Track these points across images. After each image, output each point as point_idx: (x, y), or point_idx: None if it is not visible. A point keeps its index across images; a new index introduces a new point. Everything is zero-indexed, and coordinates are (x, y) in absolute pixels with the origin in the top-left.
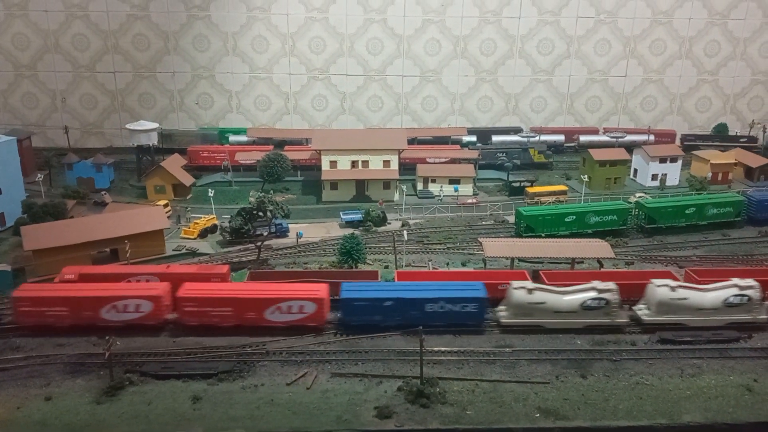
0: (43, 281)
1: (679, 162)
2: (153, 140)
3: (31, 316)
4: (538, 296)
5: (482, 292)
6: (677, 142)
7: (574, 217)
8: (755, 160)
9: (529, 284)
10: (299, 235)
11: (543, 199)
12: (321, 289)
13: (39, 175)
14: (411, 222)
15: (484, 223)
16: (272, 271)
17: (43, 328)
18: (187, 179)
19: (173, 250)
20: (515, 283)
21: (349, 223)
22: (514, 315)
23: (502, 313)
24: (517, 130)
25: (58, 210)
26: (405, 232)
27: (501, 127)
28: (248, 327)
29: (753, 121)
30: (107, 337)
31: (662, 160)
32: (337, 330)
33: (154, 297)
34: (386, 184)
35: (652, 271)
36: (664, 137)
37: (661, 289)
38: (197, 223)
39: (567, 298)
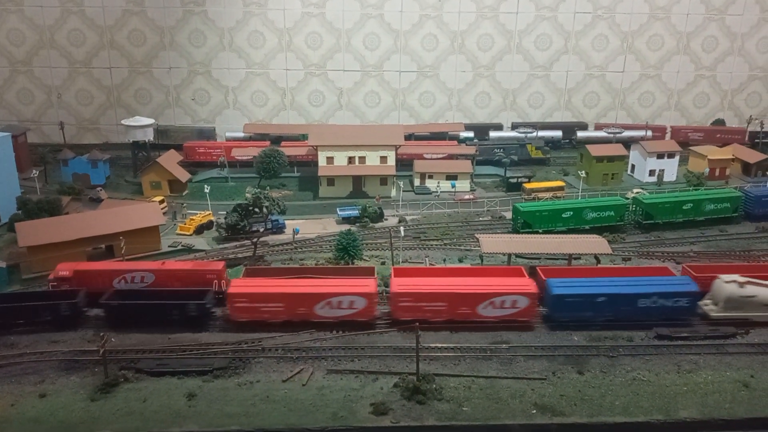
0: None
1: (677, 158)
2: (149, 136)
3: (246, 311)
4: (750, 290)
5: (694, 286)
6: (746, 138)
7: (571, 213)
8: (752, 156)
9: (740, 278)
10: (296, 232)
11: (540, 195)
12: (532, 284)
13: (34, 171)
14: (408, 218)
15: (481, 219)
16: (269, 268)
17: (257, 323)
18: (183, 175)
19: (169, 246)
20: (725, 277)
21: (346, 219)
22: (724, 309)
23: (710, 306)
24: (582, 126)
25: (53, 206)
26: (402, 229)
27: (554, 122)
28: (459, 322)
29: (750, 116)
30: (102, 334)
31: (660, 156)
32: (544, 325)
33: (368, 294)
34: (383, 180)
35: (648, 267)
36: (734, 134)
37: None
38: (193, 220)
39: None
